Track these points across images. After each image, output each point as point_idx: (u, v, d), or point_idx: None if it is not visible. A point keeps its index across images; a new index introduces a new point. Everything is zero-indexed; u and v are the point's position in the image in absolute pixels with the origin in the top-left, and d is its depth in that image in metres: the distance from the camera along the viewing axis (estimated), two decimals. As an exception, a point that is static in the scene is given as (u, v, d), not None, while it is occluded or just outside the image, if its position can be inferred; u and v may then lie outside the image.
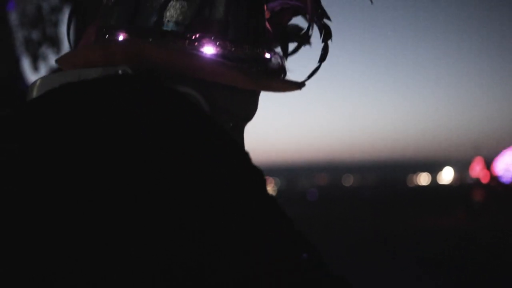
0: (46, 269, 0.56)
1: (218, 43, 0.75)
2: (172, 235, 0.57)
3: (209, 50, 0.75)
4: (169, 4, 0.74)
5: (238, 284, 0.58)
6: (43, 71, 4.01)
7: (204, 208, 0.59)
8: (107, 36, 0.76)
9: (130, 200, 0.58)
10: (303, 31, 0.84)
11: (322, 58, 0.82)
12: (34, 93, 0.75)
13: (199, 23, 0.75)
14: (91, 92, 0.65)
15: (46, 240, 0.57)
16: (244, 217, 0.61)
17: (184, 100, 0.66)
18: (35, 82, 0.77)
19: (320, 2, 0.82)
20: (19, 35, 4.10)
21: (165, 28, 0.74)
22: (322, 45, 0.82)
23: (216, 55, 0.75)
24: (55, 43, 3.92)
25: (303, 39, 0.84)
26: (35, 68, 4.03)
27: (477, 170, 25.56)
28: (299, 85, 0.82)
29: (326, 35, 0.82)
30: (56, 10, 3.83)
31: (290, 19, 0.84)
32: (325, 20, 0.83)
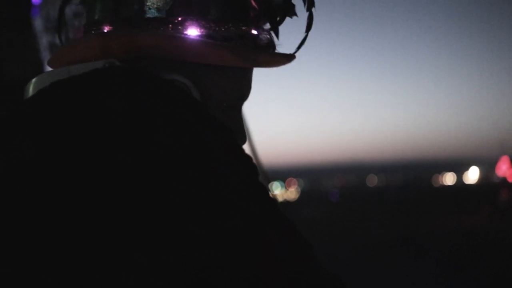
0: (49, 269, 0.56)
1: (201, 24, 0.75)
2: (170, 233, 0.57)
3: (193, 32, 0.75)
4: None
5: (240, 283, 0.57)
6: (67, 75, 4.07)
7: (201, 203, 0.58)
8: (92, 31, 0.78)
9: (127, 201, 0.57)
10: (288, 3, 0.83)
11: (308, 27, 0.83)
12: (30, 92, 0.77)
13: (180, 6, 0.75)
14: (78, 88, 0.66)
15: (48, 241, 0.57)
16: (233, 208, 0.60)
17: (172, 89, 0.66)
18: (30, 81, 0.79)
19: None
20: (43, 40, 4.16)
21: (147, 16, 0.75)
22: (307, 15, 0.82)
23: (200, 36, 0.76)
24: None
25: (288, 11, 0.84)
26: (59, 72, 4.09)
27: (503, 169, 25.15)
28: (288, 57, 0.82)
29: (310, 4, 0.82)
30: (78, 15, 3.89)
31: None
32: None
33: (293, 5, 0.84)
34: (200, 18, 0.76)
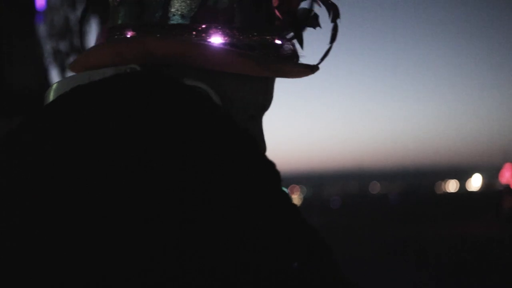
0: (49, 268, 0.56)
1: (225, 32, 0.75)
2: (179, 233, 0.57)
3: (216, 39, 0.74)
4: None
5: (240, 277, 0.57)
6: (71, 81, 4.08)
7: (219, 207, 0.58)
8: (115, 36, 0.77)
9: (141, 200, 0.57)
10: (312, 13, 0.82)
11: (333, 38, 0.82)
12: (51, 97, 0.76)
13: (205, 13, 0.74)
14: (99, 93, 0.65)
15: (51, 239, 0.57)
16: (255, 214, 0.60)
17: (195, 95, 0.66)
18: (51, 86, 0.78)
19: None
20: (48, 47, 4.18)
21: (171, 22, 0.74)
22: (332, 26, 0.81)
23: (224, 44, 0.75)
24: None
25: (312, 22, 0.82)
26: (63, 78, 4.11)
27: (506, 176, 25.09)
28: (312, 68, 0.81)
29: (335, 15, 0.82)
30: (83, 21, 3.90)
31: (299, 3, 0.82)
32: (332, 0, 0.82)
33: (317, 16, 0.83)
34: (224, 26, 0.75)
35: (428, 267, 8.64)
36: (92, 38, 4.05)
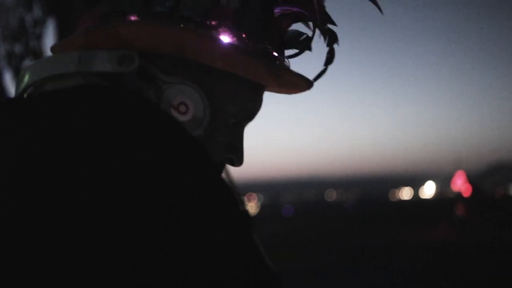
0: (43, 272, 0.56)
1: (233, 33, 0.74)
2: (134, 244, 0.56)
3: (225, 38, 0.74)
4: None
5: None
6: (25, 84, 3.98)
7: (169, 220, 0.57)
8: (115, 20, 0.74)
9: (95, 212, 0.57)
10: (303, 36, 0.83)
11: (327, 61, 0.83)
12: (25, 80, 0.75)
13: (216, 11, 0.74)
14: (60, 107, 0.65)
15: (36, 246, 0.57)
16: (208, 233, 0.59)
17: (156, 115, 0.65)
18: (27, 67, 0.76)
19: (324, 8, 0.82)
20: (2, 49, 4.07)
21: (181, 14, 0.73)
22: (327, 48, 0.82)
23: (231, 44, 0.74)
24: (38, 57, 3.90)
25: (304, 45, 0.83)
26: (18, 81, 4.00)
27: (458, 184, 25.72)
28: (309, 83, 0.82)
29: (331, 39, 0.82)
30: (39, 23, 3.81)
31: (289, 25, 0.83)
32: (330, 25, 0.82)
33: (309, 38, 0.83)
34: (233, 27, 0.74)
35: (385, 274, 8.75)
36: (48, 40, 3.97)
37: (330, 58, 0.83)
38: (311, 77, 0.83)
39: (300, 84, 0.82)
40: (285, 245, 12.60)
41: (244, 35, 0.75)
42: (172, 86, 0.73)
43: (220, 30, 0.74)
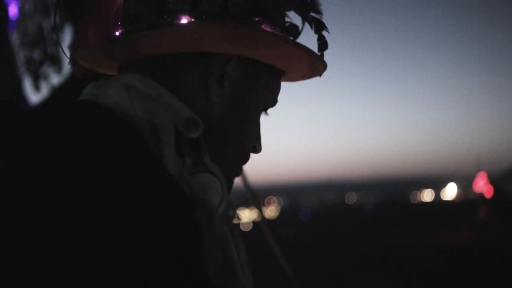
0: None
1: (272, 27, 0.78)
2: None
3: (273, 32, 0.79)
4: None
5: None
6: (44, 90, 4.03)
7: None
8: (162, 20, 0.75)
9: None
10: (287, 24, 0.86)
11: (320, 48, 0.86)
12: (91, 92, 0.78)
13: (257, 8, 0.77)
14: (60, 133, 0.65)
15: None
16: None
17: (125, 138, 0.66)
18: (91, 84, 0.79)
19: None
20: (21, 55, 4.12)
21: (230, 11, 0.76)
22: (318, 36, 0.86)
23: (284, 37, 0.80)
24: (56, 62, 3.94)
25: (290, 33, 0.87)
26: (37, 87, 4.05)
27: (480, 185, 25.40)
28: (324, 65, 0.86)
29: (318, 27, 0.85)
30: (57, 29, 3.85)
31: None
32: (314, 14, 0.86)
33: (295, 26, 0.87)
34: (271, 21, 0.79)
35: (405, 277, 8.67)
36: (65, 45, 4.01)
37: (321, 45, 0.85)
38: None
39: (322, 66, 0.86)
40: (298, 247, 12.57)
41: (277, 28, 0.79)
42: (200, 175, 0.74)
43: (263, 26, 0.77)
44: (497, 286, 7.90)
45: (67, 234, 0.55)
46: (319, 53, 0.85)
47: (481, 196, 24.65)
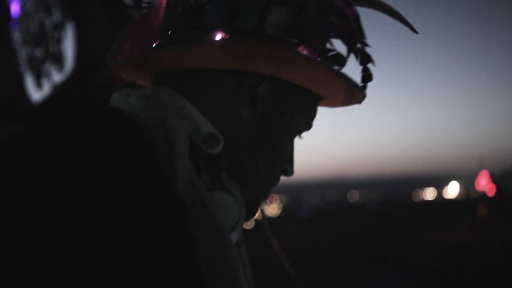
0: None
1: (310, 50, 0.77)
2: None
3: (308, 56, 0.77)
4: (270, 9, 0.75)
5: None
6: (46, 88, 4.04)
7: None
8: (195, 35, 0.75)
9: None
10: (334, 53, 0.85)
11: (364, 79, 0.85)
12: (114, 101, 0.77)
13: (295, 29, 0.76)
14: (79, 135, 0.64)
15: None
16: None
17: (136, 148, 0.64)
18: (117, 92, 0.77)
19: (361, 28, 0.84)
20: (23, 53, 4.13)
21: (266, 31, 0.75)
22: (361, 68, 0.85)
23: (319, 61, 0.78)
24: (58, 60, 3.95)
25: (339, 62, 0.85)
26: (39, 85, 4.07)
27: (482, 183, 25.42)
28: (363, 95, 0.85)
29: (364, 59, 0.85)
30: (59, 27, 3.86)
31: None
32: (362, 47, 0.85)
33: (340, 56, 0.85)
34: (309, 45, 0.77)
35: (407, 275, 8.68)
36: (67, 44, 4.03)
37: (365, 77, 0.85)
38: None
39: (361, 96, 0.85)
40: (299, 246, 12.57)
41: (315, 51, 0.78)
42: (216, 193, 0.73)
43: (300, 47, 0.76)
44: (499, 285, 7.90)
45: (67, 234, 0.55)
46: (361, 84, 0.84)
47: (483, 195, 24.66)
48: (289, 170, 0.84)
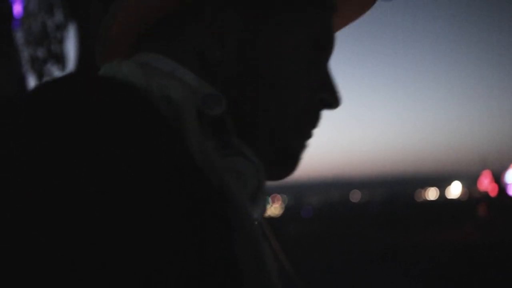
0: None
1: None
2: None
3: None
4: None
5: None
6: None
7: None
8: None
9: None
10: None
11: None
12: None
13: None
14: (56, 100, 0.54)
15: None
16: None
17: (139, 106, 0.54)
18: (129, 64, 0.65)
19: None
20: (25, 53, 4.15)
21: None
22: None
23: None
24: (60, 60, 3.97)
25: None
26: (41, 85, 4.08)
27: (485, 183, 25.40)
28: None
29: None
30: (61, 27, 3.88)
31: None
32: None
33: None
34: None
35: (408, 275, 8.68)
36: (69, 44, 4.05)
37: None
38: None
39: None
40: (299, 245, 12.58)
41: None
42: (231, 159, 0.61)
43: None
44: (501, 285, 7.89)
45: (71, 231, 0.50)
46: None
47: (485, 194, 24.62)
48: (329, 99, 0.68)
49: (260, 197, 0.63)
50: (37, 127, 0.53)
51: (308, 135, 0.69)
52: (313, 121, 0.69)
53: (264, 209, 0.66)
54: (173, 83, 0.61)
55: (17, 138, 0.53)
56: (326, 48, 0.69)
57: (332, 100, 0.68)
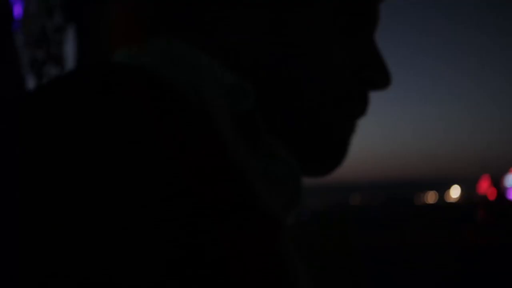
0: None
1: None
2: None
3: None
4: None
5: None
6: (48, 90, 4.07)
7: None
8: None
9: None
10: None
11: None
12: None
13: None
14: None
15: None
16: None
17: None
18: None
19: None
20: (24, 55, 4.16)
21: None
22: None
23: None
24: (59, 62, 3.99)
25: None
26: (40, 87, 4.10)
27: (484, 187, 25.42)
28: None
29: None
30: (60, 30, 3.90)
31: None
32: None
33: None
34: None
35: (408, 277, 8.68)
36: (69, 46, 4.07)
37: None
38: None
39: None
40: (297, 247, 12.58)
41: None
42: (269, 165, 0.54)
43: None
44: (500, 286, 7.90)
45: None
46: None
47: (484, 198, 24.64)
48: (372, 77, 0.58)
49: (296, 204, 0.57)
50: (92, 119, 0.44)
51: (354, 119, 0.61)
52: (359, 105, 0.59)
53: (297, 215, 0.59)
54: (201, 75, 0.53)
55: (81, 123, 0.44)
56: (362, 14, 0.59)
57: (377, 78, 0.58)
